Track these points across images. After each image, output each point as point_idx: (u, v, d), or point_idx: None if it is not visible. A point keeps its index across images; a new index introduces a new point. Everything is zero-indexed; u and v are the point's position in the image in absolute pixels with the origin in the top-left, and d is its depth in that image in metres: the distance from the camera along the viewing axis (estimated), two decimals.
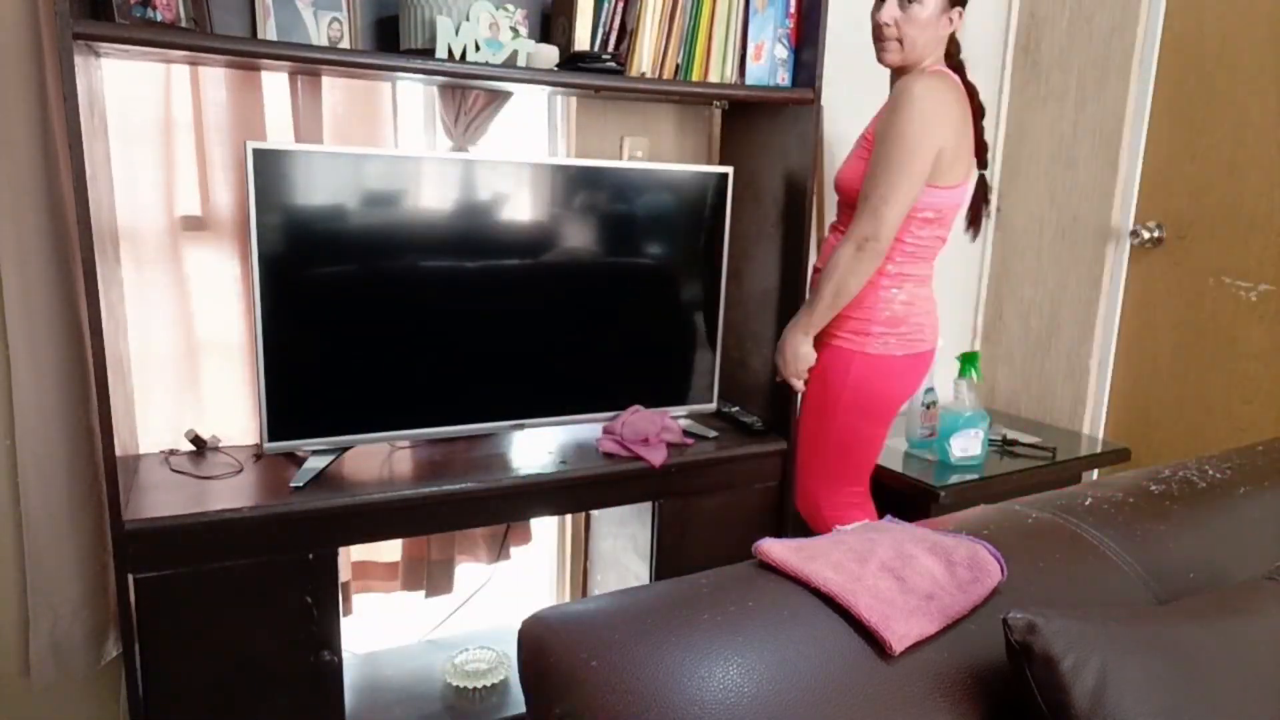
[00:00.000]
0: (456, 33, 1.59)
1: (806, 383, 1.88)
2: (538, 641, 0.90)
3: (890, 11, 1.70)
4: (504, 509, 1.79)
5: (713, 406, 2.11)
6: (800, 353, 1.82)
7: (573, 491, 1.83)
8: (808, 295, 1.87)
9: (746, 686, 0.81)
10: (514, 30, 1.64)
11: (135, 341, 1.76)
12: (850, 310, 1.80)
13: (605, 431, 1.96)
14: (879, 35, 1.73)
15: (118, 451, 1.45)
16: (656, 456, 1.86)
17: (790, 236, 1.98)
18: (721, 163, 2.21)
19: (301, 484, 1.64)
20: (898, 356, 1.81)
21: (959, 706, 0.86)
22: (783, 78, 1.94)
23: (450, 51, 1.59)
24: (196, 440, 1.80)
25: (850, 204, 1.79)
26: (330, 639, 1.64)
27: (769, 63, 1.91)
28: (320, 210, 1.64)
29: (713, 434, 2.03)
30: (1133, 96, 2.39)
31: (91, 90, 1.48)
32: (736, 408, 2.17)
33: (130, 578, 1.48)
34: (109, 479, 1.44)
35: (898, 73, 1.78)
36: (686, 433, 2.00)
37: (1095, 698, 0.80)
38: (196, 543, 1.51)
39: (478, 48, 1.61)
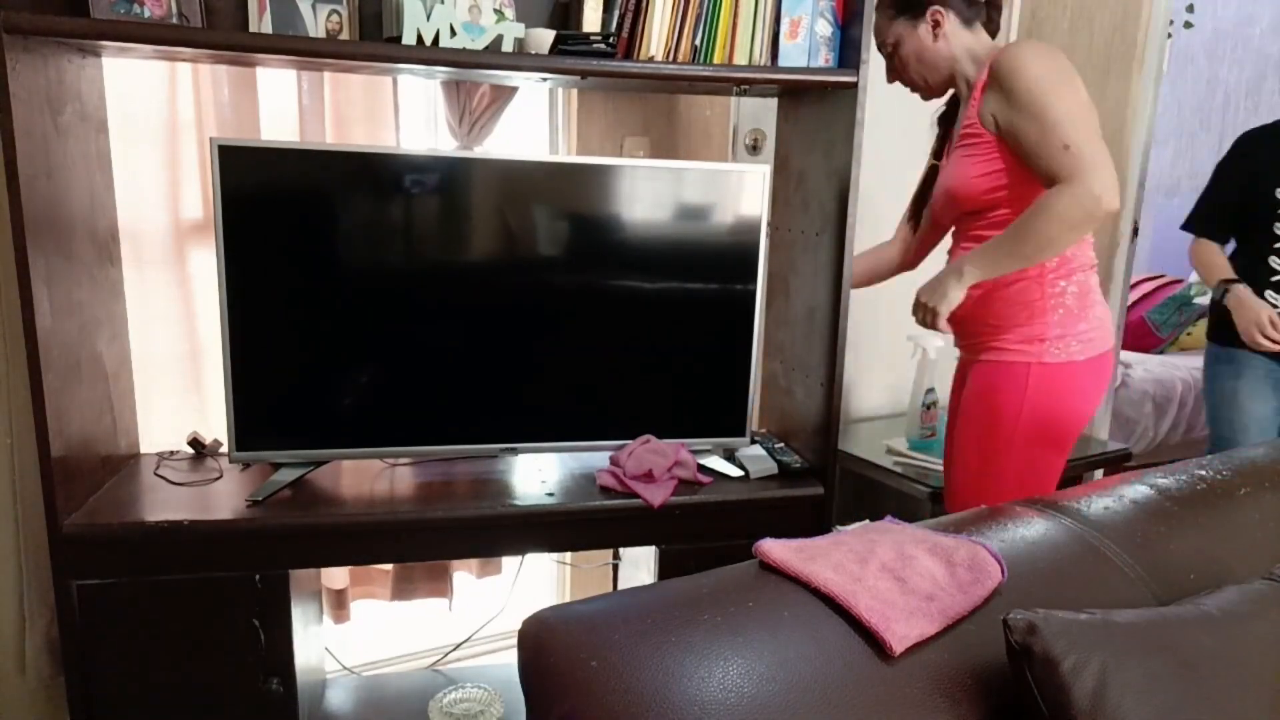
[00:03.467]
0: (428, 18, 1.48)
1: (960, 411, 1.66)
2: (538, 641, 0.90)
3: (890, 75, 1.69)
4: (473, 543, 1.64)
5: (745, 440, 1.85)
6: (950, 296, 1.51)
7: (556, 529, 1.64)
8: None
9: (746, 686, 0.81)
10: (498, 13, 1.52)
11: (139, 342, 1.76)
12: (1013, 314, 1.56)
13: (610, 462, 1.76)
14: (909, 87, 1.69)
15: (121, 451, 1.44)
16: (656, 496, 1.65)
17: (838, 247, 1.72)
18: (776, 161, 2.00)
19: (260, 498, 1.55)
20: (1080, 362, 1.54)
21: (959, 707, 0.86)
22: (826, 58, 1.69)
23: (420, 37, 1.48)
24: (196, 444, 1.79)
25: (973, 211, 1.59)
26: (281, 666, 1.55)
27: (807, 41, 1.67)
28: (292, 209, 1.55)
29: (737, 473, 1.79)
30: (1134, 97, 2.39)
31: (69, 88, 1.47)
32: (780, 443, 1.92)
33: (73, 584, 1.45)
34: (45, 480, 1.41)
35: (954, 90, 1.66)
36: (704, 469, 1.78)
37: (1095, 698, 0.80)
38: (136, 553, 1.47)
39: (453, 33, 1.50)
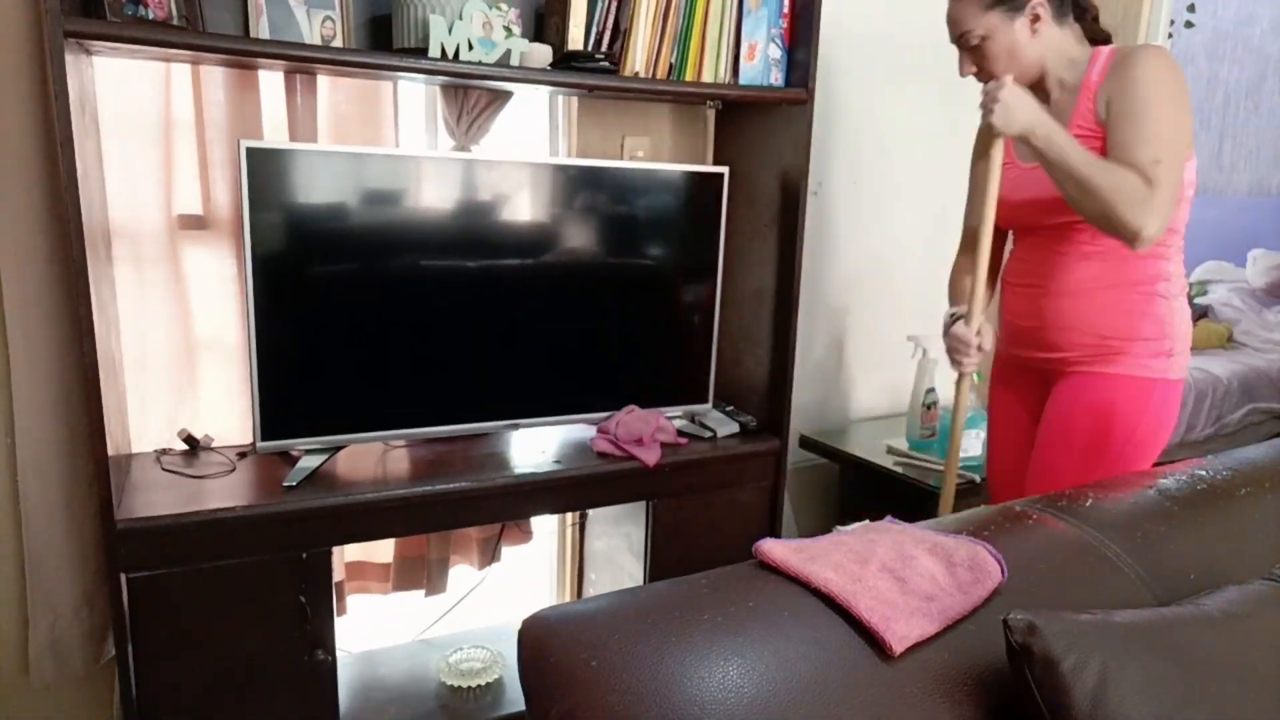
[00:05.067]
0: (450, 32, 1.59)
1: (1065, 426, 1.57)
2: (538, 641, 0.90)
3: (968, 67, 1.56)
4: (499, 508, 1.79)
5: (708, 406, 2.11)
6: (1016, 117, 1.40)
7: (567, 491, 1.83)
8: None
9: (746, 686, 0.81)
10: (507, 29, 1.65)
11: (131, 340, 1.76)
12: (1139, 326, 1.51)
13: (599, 431, 1.96)
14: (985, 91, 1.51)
15: (110, 451, 1.45)
16: (650, 456, 1.86)
17: (785, 237, 1.99)
18: (715, 163, 2.22)
19: (294, 483, 1.64)
20: (1184, 380, 1.56)
21: (959, 707, 0.86)
22: (776, 77, 1.95)
23: (443, 50, 1.60)
24: (189, 440, 1.79)
25: (1040, 227, 1.56)
26: (324, 638, 1.64)
27: (762, 62, 1.92)
28: (315, 209, 1.64)
29: (707, 434, 2.04)
30: None
31: (82, 88, 1.48)
32: (731, 407, 2.17)
33: (123, 577, 1.48)
34: (100, 479, 1.44)
35: (1039, 92, 1.55)
36: (681, 432, 2.01)
37: (1096, 698, 0.80)
38: (189, 542, 1.51)
39: (471, 47, 1.62)
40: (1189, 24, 4.35)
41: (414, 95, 1.98)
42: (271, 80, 1.78)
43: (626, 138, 2.14)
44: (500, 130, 2.01)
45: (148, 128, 1.71)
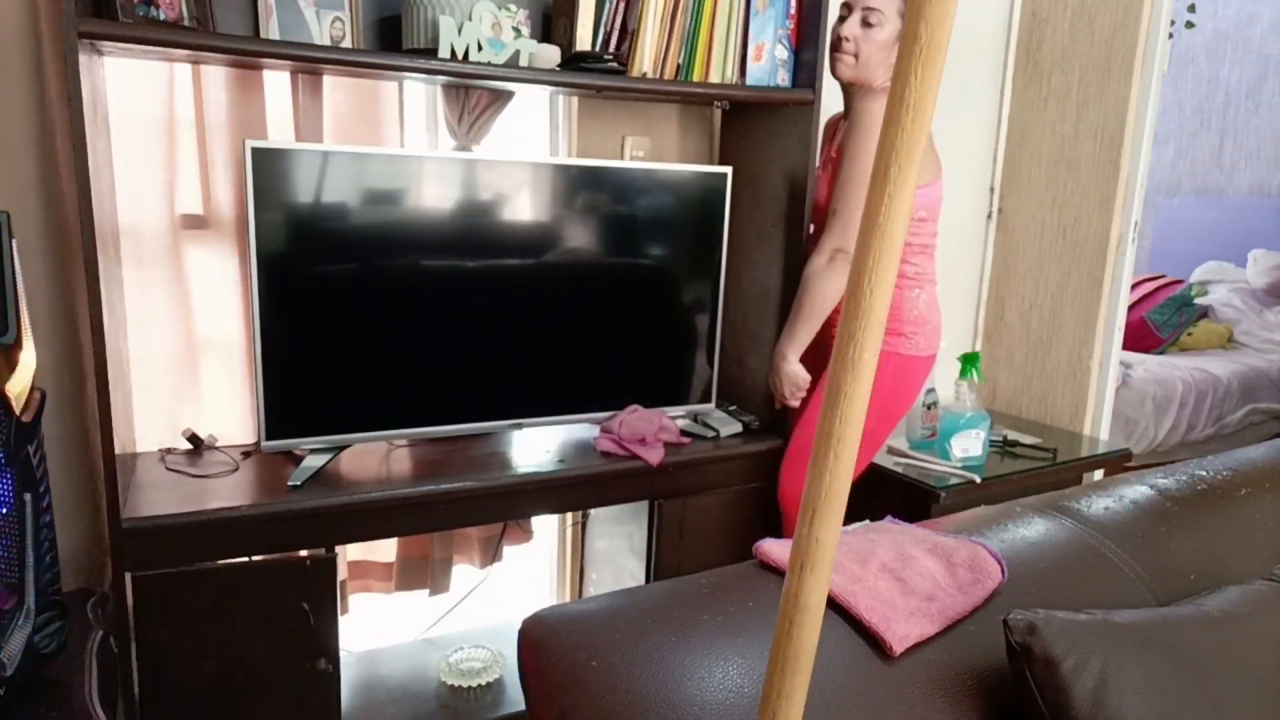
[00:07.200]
0: (459, 32, 1.60)
1: (808, 396, 1.89)
2: (538, 641, 0.90)
3: (852, 28, 1.77)
4: (502, 507, 1.80)
5: (711, 406, 2.12)
6: (790, 373, 1.88)
7: (571, 490, 1.83)
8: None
9: (746, 686, 0.81)
10: (516, 30, 1.66)
11: (135, 340, 1.76)
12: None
13: (603, 431, 1.96)
14: (837, 47, 1.80)
15: (116, 450, 1.45)
16: (654, 456, 1.87)
17: (790, 237, 2.00)
18: (721, 163, 2.22)
19: (299, 483, 1.63)
20: (923, 357, 1.88)
21: (959, 707, 0.86)
22: (783, 78, 1.95)
23: (453, 51, 1.60)
24: (194, 439, 1.79)
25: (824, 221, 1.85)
26: (327, 646, 1.62)
27: (769, 63, 1.92)
28: (319, 209, 1.64)
29: (710, 433, 2.04)
30: (1134, 98, 2.39)
31: (94, 89, 1.49)
32: (734, 406, 2.18)
33: (128, 576, 1.48)
34: (108, 478, 1.44)
35: (848, 88, 1.85)
36: (684, 432, 2.02)
37: (1096, 698, 0.80)
38: (193, 542, 1.51)
39: (480, 47, 1.62)
40: (1189, 24, 4.35)
41: (415, 95, 1.98)
42: (276, 80, 1.78)
43: (627, 137, 2.15)
44: (501, 130, 2.02)
45: (150, 128, 1.71)
